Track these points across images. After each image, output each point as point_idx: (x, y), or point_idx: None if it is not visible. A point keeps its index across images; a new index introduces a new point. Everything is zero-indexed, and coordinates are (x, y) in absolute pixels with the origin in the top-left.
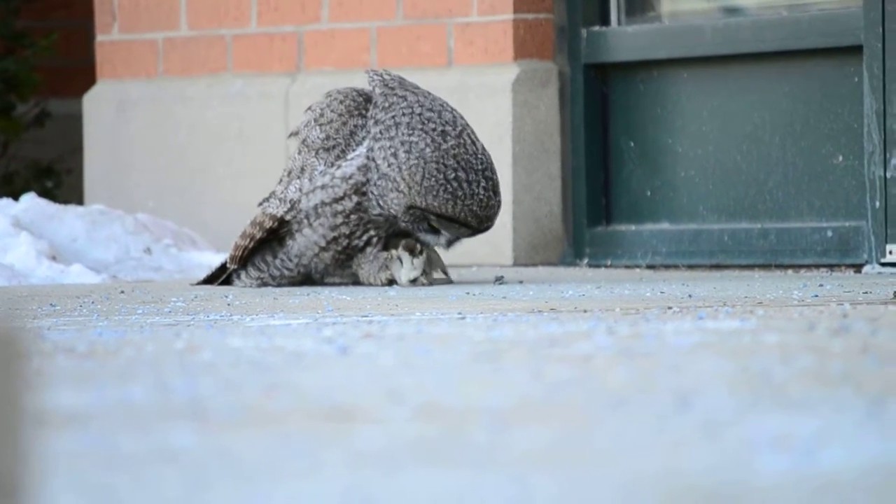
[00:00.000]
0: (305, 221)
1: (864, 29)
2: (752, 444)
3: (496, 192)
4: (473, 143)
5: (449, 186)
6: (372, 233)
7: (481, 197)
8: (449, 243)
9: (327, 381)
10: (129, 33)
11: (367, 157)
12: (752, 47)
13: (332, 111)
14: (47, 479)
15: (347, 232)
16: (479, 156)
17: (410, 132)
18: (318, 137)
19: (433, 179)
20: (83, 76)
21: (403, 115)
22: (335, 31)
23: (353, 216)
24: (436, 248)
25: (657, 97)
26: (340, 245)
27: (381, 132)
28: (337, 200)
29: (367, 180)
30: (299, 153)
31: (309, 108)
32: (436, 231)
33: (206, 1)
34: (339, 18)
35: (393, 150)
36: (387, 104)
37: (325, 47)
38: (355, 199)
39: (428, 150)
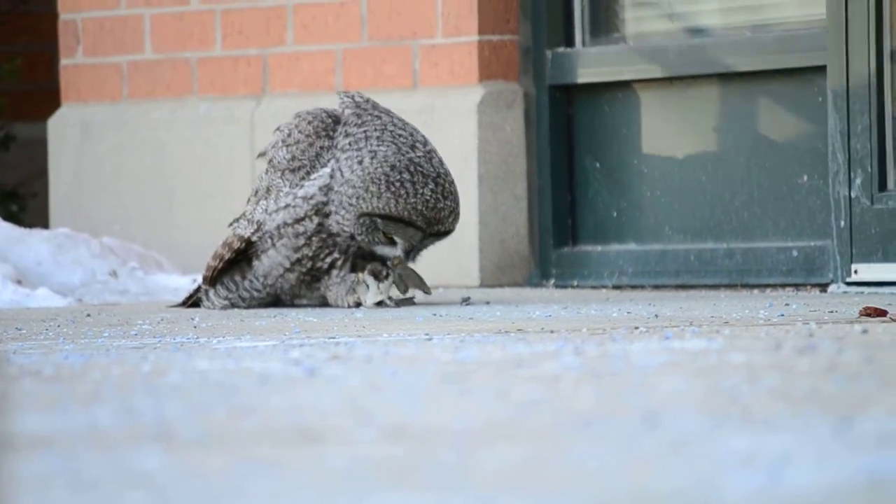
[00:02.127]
0: (269, 242)
1: (829, 49)
2: (719, 464)
3: (446, 196)
4: (440, 160)
5: (392, 187)
6: (336, 255)
7: (427, 197)
8: (407, 253)
9: (295, 403)
10: (93, 56)
11: (331, 176)
12: (717, 68)
13: (299, 132)
14: (12, 502)
15: (310, 254)
16: (437, 168)
17: (380, 144)
18: (284, 158)
19: (381, 182)
20: (48, 100)
21: (375, 129)
22: (300, 54)
23: (314, 238)
24: (408, 266)
25: (622, 118)
26: (304, 266)
27: (349, 144)
28: (298, 221)
29: (329, 200)
30: (266, 173)
31: (278, 129)
32: (391, 241)
33: (170, 24)
34: (303, 41)
35: (359, 158)
36: (359, 121)
37: (291, 70)
38: (316, 220)
39: (392, 157)
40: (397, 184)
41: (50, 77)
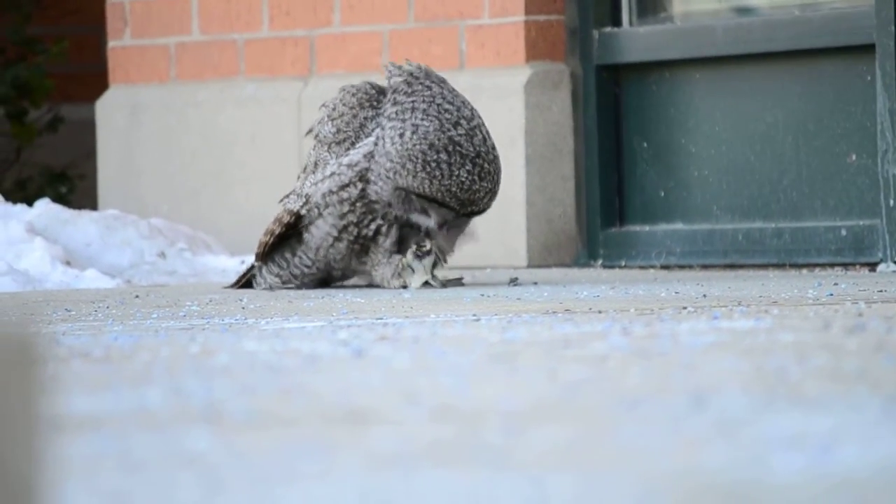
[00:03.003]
0: (316, 212)
1: (876, 28)
2: (767, 443)
3: (483, 178)
4: (483, 138)
5: (428, 167)
6: (380, 221)
7: (462, 179)
8: (440, 226)
9: (342, 384)
10: (141, 38)
11: (375, 143)
12: (765, 47)
13: (343, 104)
14: (62, 483)
15: (355, 220)
16: (479, 147)
17: (424, 117)
18: (329, 132)
19: (418, 160)
20: (96, 81)
21: (423, 101)
22: (347, 35)
23: (358, 203)
24: (448, 243)
25: (670, 97)
26: (351, 234)
27: (396, 113)
28: (343, 188)
29: (370, 168)
30: (313, 149)
31: (323, 105)
32: (426, 212)
33: (217, 5)
34: (350, 22)
35: (402, 130)
36: (409, 90)
37: (337, 50)
38: (360, 185)
39: (432, 134)
40: (433, 164)
41: (98, 59)
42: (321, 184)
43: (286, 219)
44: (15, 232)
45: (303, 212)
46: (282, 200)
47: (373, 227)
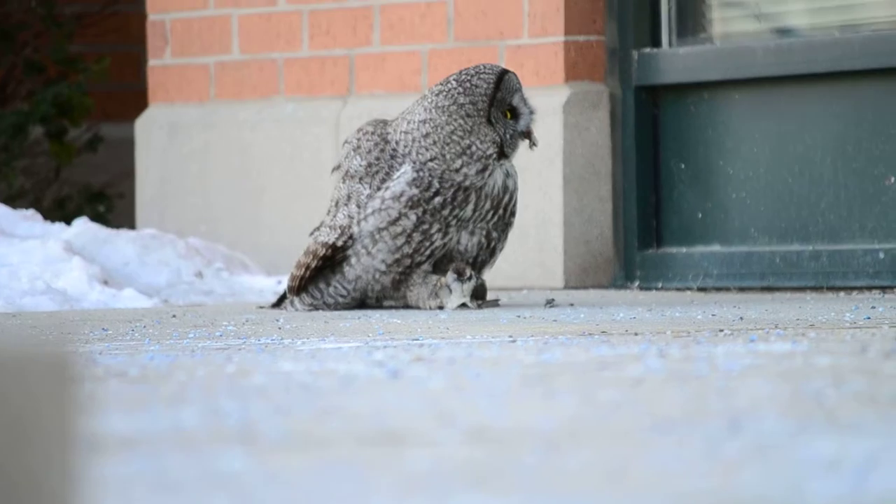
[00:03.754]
0: (363, 251)
1: None
2: (804, 468)
3: None
4: None
5: (464, 84)
6: (437, 242)
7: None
8: (527, 134)
9: (378, 405)
10: (181, 57)
11: (415, 171)
12: (804, 68)
13: (367, 140)
14: (99, 503)
15: (410, 251)
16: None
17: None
18: (360, 165)
19: (459, 86)
20: (135, 100)
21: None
22: (386, 55)
23: (415, 234)
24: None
25: (708, 119)
26: (403, 265)
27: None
28: (394, 222)
29: (426, 180)
30: (343, 182)
31: (346, 142)
32: (514, 113)
33: (257, 25)
34: (390, 41)
35: (423, 119)
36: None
37: (377, 70)
38: (413, 215)
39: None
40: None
41: (138, 78)
42: (364, 222)
43: (321, 252)
44: (53, 251)
45: (339, 243)
46: (312, 234)
47: (427, 253)
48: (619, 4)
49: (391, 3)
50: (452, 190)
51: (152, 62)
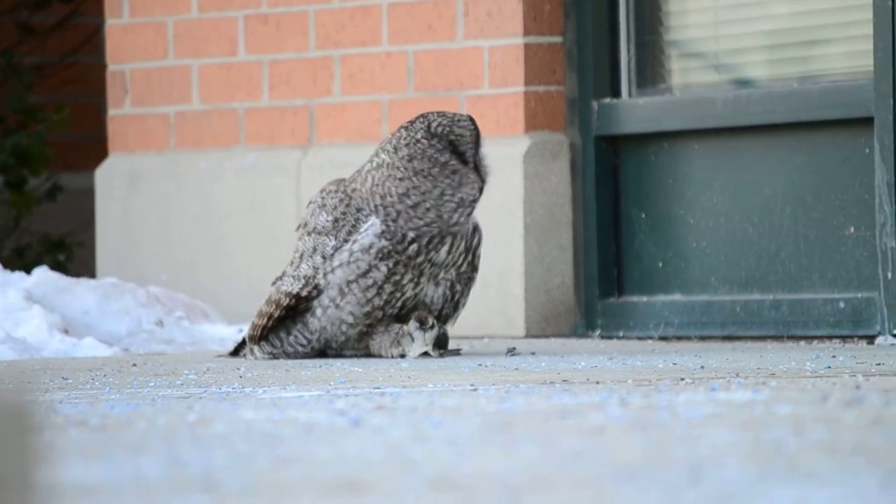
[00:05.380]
0: (330, 303)
1: (875, 101)
2: None
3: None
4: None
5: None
6: (409, 293)
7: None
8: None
9: (340, 453)
10: (141, 107)
11: (384, 224)
12: (763, 119)
13: (332, 198)
14: None
15: (381, 303)
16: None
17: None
18: (326, 221)
19: (418, 135)
20: (95, 150)
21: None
22: (346, 104)
23: (386, 285)
24: (445, 327)
25: (668, 168)
26: (373, 318)
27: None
28: (364, 274)
29: (399, 234)
30: (308, 236)
31: (310, 202)
32: (461, 157)
33: (217, 74)
34: (350, 91)
35: (389, 174)
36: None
37: (337, 120)
38: (384, 267)
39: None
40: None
41: (98, 127)
42: (331, 274)
43: (284, 301)
44: (13, 300)
45: (303, 293)
46: (275, 283)
47: (398, 305)
48: (578, 55)
49: (351, 53)
50: (428, 237)
51: (112, 112)
